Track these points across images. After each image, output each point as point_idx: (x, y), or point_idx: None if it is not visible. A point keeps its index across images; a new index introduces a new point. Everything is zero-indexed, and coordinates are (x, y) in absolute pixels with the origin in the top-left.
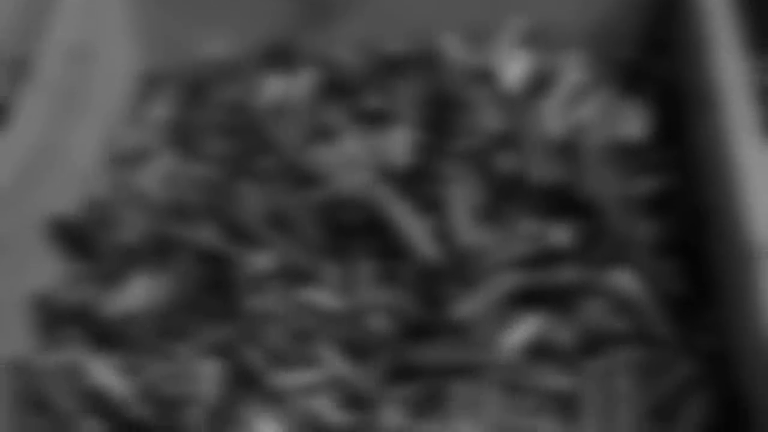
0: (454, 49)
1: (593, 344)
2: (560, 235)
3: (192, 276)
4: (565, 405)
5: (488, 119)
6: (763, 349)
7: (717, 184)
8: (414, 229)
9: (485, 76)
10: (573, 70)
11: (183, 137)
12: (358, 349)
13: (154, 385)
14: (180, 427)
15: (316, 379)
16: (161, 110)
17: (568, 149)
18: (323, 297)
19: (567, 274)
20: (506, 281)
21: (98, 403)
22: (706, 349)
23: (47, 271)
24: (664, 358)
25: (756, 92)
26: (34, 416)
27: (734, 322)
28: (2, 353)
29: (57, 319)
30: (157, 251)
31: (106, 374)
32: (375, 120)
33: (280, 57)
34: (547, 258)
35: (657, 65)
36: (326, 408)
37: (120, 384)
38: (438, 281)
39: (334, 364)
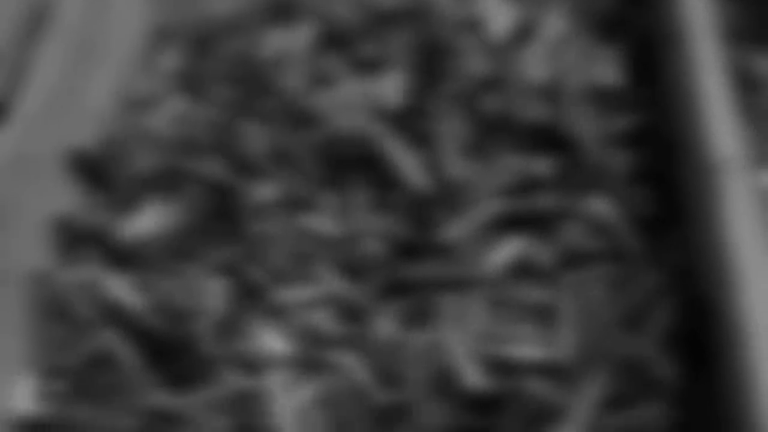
0: (444, 1)
1: (570, 262)
2: (541, 166)
3: (200, 204)
4: (544, 315)
5: (475, 65)
6: (723, 258)
7: (683, 114)
8: (406, 162)
9: (472, 26)
10: (554, 20)
11: (191, 85)
12: (353, 268)
13: (165, 299)
14: (189, 336)
15: (314, 295)
16: (171, 61)
17: (549, 92)
18: (321, 223)
19: (547, 201)
20: (491, 207)
21: (114, 314)
22: (673, 263)
23: (67, 197)
24: (634, 271)
25: (737, 80)
26: (54, 324)
27: (698, 237)
28: (26, 268)
29: (76, 240)
30: (167, 182)
31: (121, 288)
32: (370, 67)
33: (281, 12)
34: (528, 186)
35: (632, 14)
36: (324, 321)
37: (134, 297)
38: (427, 208)
39: (331, 281)
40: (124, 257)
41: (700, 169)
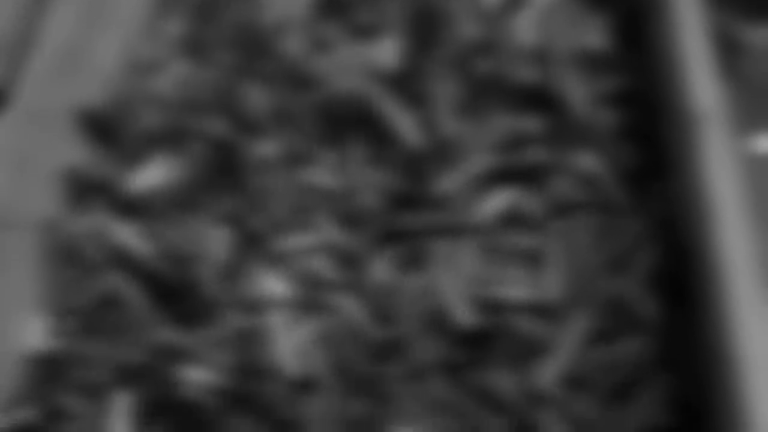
0: None
1: (558, 212)
2: (531, 124)
3: (203, 160)
4: (533, 260)
5: (468, 30)
6: (701, 204)
7: (666, 73)
8: (401, 120)
9: None
10: None
11: (194, 50)
12: (350, 219)
13: (170, 246)
14: (193, 280)
15: (313, 243)
16: (175, 27)
17: (539, 55)
18: (320, 177)
19: (536, 155)
20: (482, 161)
21: (121, 259)
22: (656, 212)
23: (76, 151)
24: (619, 220)
25: (720, 45)
26: (64, 268)
27: (679, 185)
28: (38, 215)
29: (85, 191)
30: (172, 139)
31: (128, 235)
32: (367, 32)
33: None
34: (519, 143)
35: None
36: (322, 266)
37: (140, 244)
38: (422, 163)
39: (329, 230)
40: (130, 208)
41: (680, 123)
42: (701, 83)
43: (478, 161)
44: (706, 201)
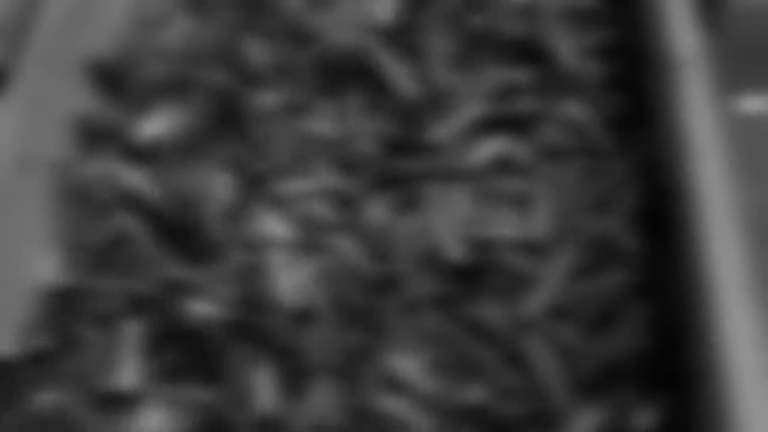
0: None
1: (546, 157)
2: (521, 75)
3: (207, 109)
4: (522, 203)
5: None
6: (680, 144)
7: (650, 24)
8: (397, 72)
9: None
10: None
11: (198, 5)
12: (348, 165)
13: (176, 189)
14: (198, 221)
15: (313, 187)
16: None
17: (529, 11)
18: (319, 125)
19: (526, 105)
20: (475, 110)
21: (130, 200)
22: (639, 155)
23: (87, 99)
24: (604, 164)
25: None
26: (76, 208)
27: (661, 129)
28: (52, 156)
29: (94, 137)
30: (177, 89)
31: (136, 178)
32: None
33: None
34: (509, 93)
35: None
36: (321, 209)
37: (148, 186)
38: (416, 112)
39: (328, 175)
40: (138, 154)
41: (662, 69)
42: (683, 32)
43: (471, 110)
44: (685, 142)
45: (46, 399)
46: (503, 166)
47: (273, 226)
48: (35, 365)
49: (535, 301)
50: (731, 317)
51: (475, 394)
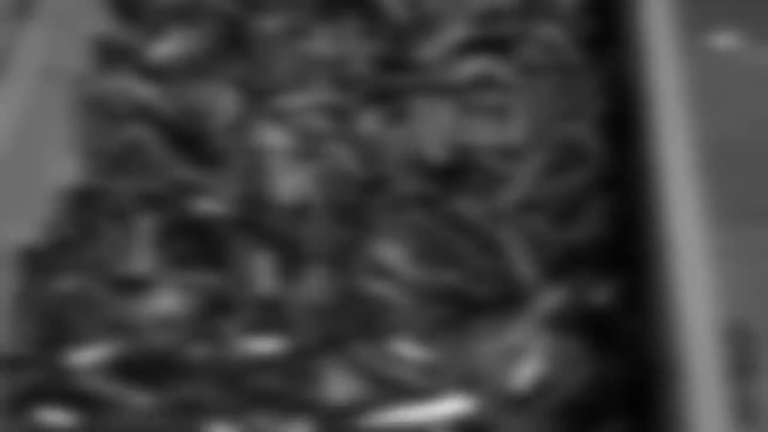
0: None
1: (525, 74)
2: (504, 0)
3: (214, 32)
4: (500, 115)
5: None
6: (642, 48)
7: None
8: None
9: None
10: None
11: None
12: (343, 81)
13: (185, 103)
14: (205, 131)
15: (310, 101)
16: None
17: None
18: (317, 46)
19: (508, 27)
20: (460, 31)
21: (144, 112)
22: (608, 70)
23: (105, 22)
24: (576, 78)
25: None
26: (93, 118)
27: (627, 50)
28: (71, 71)
29: (111, 56)
30: (187, 15)
31: (149, 93)
32: None
33: None
34: (492, 16)
35: None
36: (318, 121)
37: (160, 100)
38: (406, 34)
39: (324, 91)
40: (151, 71)
41: None
42: None
43: (456, 32)
44: (646, 58)
45: (69, 283)
46: (484, 83)
47: (273, 136)
48: (59, 253)
49: (508, 197)
50: (677, 204)
51: (451, 277)
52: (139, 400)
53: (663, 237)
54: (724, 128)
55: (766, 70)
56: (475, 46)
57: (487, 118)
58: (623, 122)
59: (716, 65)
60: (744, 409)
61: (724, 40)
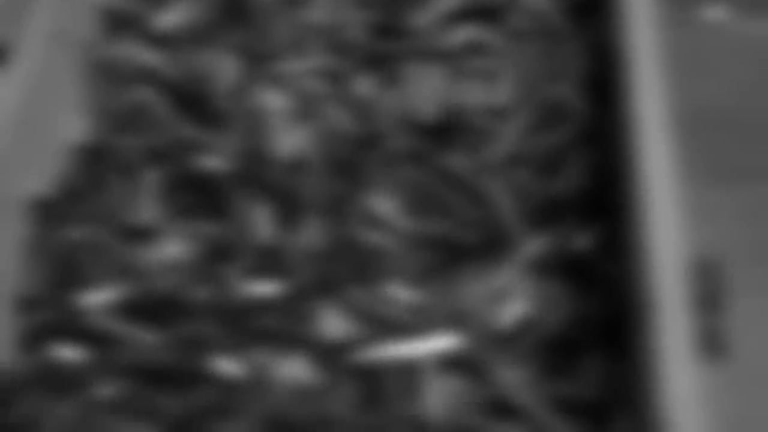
0: None
1: (512, 40)
2: None
3: (217, 3)
4: (489, 79)
5: None
6: (625, 26)
7: None
8: None
9: None
10: None
11: None
12: (339, 48)
13: (189, 67)
14: (208, 94)
15: (308, 66)
16: None
17: None
18: (314, 14)
19: None
20: (451, 1)
21: (149, 75)
22: (591, 36)
23: None
24: (561, 44)
25: None
26: (100, 82)
27: (610, 17)
28: (81, 38)
29: (118, 24)
30: None
31: (155, 58)
32: None
33: None
34: None
35: None
36: (315, 85)
37: (165, 65)
38: (400, 3)
39: (321, 56)
40: (157, 38)
41: None
42: None
43: (448, 1)
44: (627, 24)
45: (80, 231)
46: (474, 48)
47: (273, 98)
48: (70, 204)
49: (495, 152)
50: (651, 157)
51: (440, 226)
52: (146, 337)
53: (638, 187)
54: (713, 96)
55: (755, 41)
56: (465, 14)
57: (477, 80)
58: (603, 83)
59: (706, 37)
60: (710, 338)
61: (714, 13)
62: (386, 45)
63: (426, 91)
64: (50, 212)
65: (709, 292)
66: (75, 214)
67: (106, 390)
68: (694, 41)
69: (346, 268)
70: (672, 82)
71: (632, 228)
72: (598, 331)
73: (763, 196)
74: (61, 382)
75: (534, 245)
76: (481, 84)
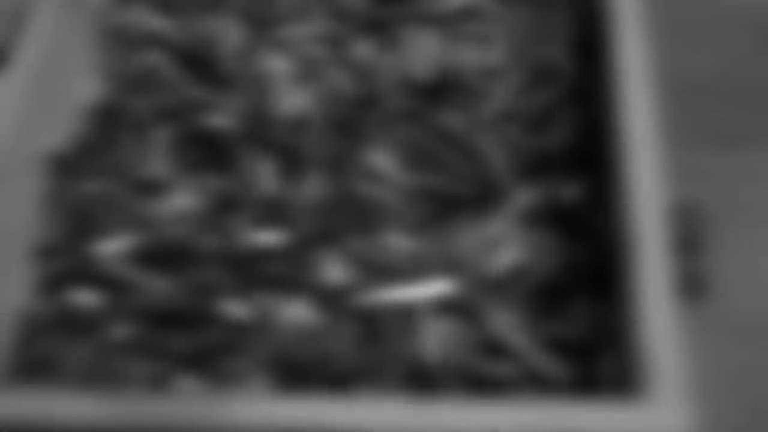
0: None
1: (506, 5)
2: None
3: None
4: (483, 42)
5: None
6: None
7: None
8: None
9: None
10: None
11: None
12: (339, 13)
13: (196, 33)
14: (214, 57)
15: (309, 31)
16: None
17: None
18: None
19: None
20: None
21: (158, 40)
22: (579, 1)
23: None
24: (550, 10)
25: None
26: (111, 47)
27: None
28: (93, 4)
29: None
30: None
31: (163, 24)
32: None
33: None
34: None
35: None
36: (316, 49)
37: (173, 30)
38: None
39: (322, 21)
40: (165, 5)
41: None
42: None
43: None
44: None
45: (94, 184)
46: (469, 13)
47: (276, 61)
48: (85, 159)
49: (488, 110)
50: (635, 114)
51: (436, 180)
52: (157, 283)
53: (622, 141)
54: (703, 65)
55: (747, 10)
56: None
57: (471, 44)
58: (590, 46)
59: (697, 6)
60: (690, 281)
61: None
62: (384, 11)
63: (423, 53)
64: (67, 167)
65: (690, 235)
66: (90, 169)
67: (120, 331)
68: (684, 11)
69: (347, 219)
70: (662, 50)
71: (616, 179)
72: (585, 277)
73: (751, 162)
74: (77, 324)
75: (524, 197)
76: (475, 47)
